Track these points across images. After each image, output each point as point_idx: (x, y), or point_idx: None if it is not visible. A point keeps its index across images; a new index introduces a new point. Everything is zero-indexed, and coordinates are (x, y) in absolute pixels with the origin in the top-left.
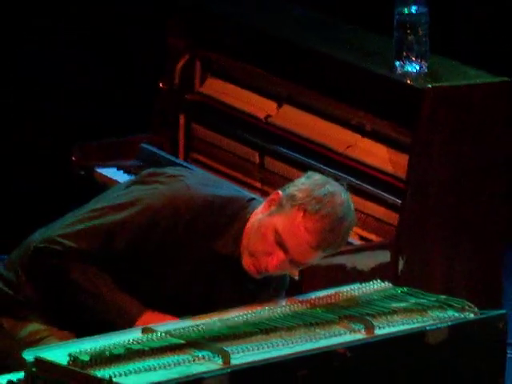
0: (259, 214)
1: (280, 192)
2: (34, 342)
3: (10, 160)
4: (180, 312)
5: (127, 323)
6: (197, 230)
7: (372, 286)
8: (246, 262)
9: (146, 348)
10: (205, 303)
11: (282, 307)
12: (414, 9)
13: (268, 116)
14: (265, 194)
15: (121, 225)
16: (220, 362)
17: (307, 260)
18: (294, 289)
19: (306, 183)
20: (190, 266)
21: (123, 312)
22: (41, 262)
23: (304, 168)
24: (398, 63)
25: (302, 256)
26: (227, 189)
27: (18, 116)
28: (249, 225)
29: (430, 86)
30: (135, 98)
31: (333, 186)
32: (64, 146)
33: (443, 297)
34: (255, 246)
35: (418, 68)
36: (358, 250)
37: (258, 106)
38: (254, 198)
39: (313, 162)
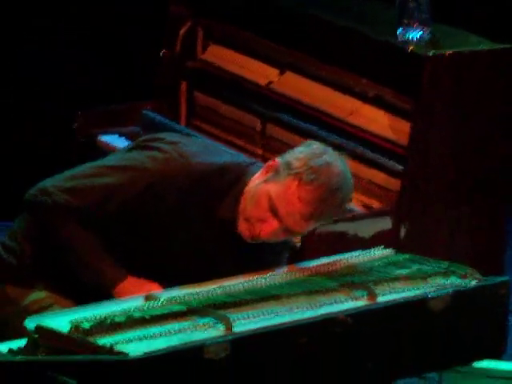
0: (256, 179)
1: (278, 159)
2: (38, 310)
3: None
4: (177, 279)
5: (104, 287)
6: (195, 197)
7: (374, 253)
8: (242, 227)
9: (148, 315)
10: (204, 270)
11: (283, 275)
12: None
13: (270, 83)
14: (266, 160)
15: (116, 188)
16: (222, 329)
17: (300, 229)
18: (295, 256)
19: (303, 152)
20: (190, 232)
21: (101, 275)
22: (31, 211)
23: (306, 135)
24: (399, 30)
25: (294, 225)
26: (226, 155)
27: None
28: (247, 189)
29: (431, 52)
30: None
31: (331, 156)
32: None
33: (446, 263)
34: (250, 211)
35: (419, 35)
36: (359, 216)
37: (260, 72)
38: (253, 163)
39: (314, 129)
